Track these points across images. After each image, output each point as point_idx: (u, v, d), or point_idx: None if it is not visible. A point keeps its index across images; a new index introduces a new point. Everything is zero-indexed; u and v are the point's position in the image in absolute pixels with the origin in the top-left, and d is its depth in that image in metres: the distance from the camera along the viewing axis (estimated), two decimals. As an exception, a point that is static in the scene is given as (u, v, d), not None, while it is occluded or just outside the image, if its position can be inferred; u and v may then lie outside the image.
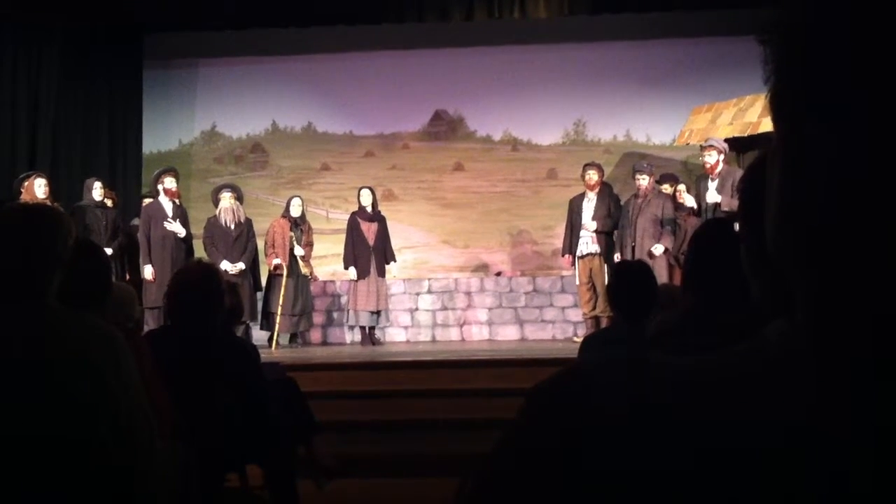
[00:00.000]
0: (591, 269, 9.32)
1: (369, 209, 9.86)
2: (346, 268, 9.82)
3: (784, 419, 0.45)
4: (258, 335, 9.42)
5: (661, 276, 8.64)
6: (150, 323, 8.37)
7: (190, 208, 10.28)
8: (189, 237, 9.31)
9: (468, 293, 10.92)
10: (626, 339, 3.47)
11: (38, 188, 8.48)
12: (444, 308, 10.99)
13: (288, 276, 9.51)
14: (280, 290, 9.50)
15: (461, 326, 10.65)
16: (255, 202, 11.25)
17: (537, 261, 11.36)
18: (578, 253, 9.38)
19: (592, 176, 9.45)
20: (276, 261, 9.52)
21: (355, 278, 9.68)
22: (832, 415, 0.45)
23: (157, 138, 11.85)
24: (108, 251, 7.87)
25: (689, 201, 8.98)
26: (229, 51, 11.59)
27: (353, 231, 9.81)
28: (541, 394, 0.53)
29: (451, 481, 0.59)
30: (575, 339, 9.62)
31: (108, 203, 9.51)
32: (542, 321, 10.74)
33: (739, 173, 8.11)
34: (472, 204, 11.54)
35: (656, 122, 11.32)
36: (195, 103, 12.10)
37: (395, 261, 9.92)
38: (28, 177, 8.66)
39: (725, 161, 8.52)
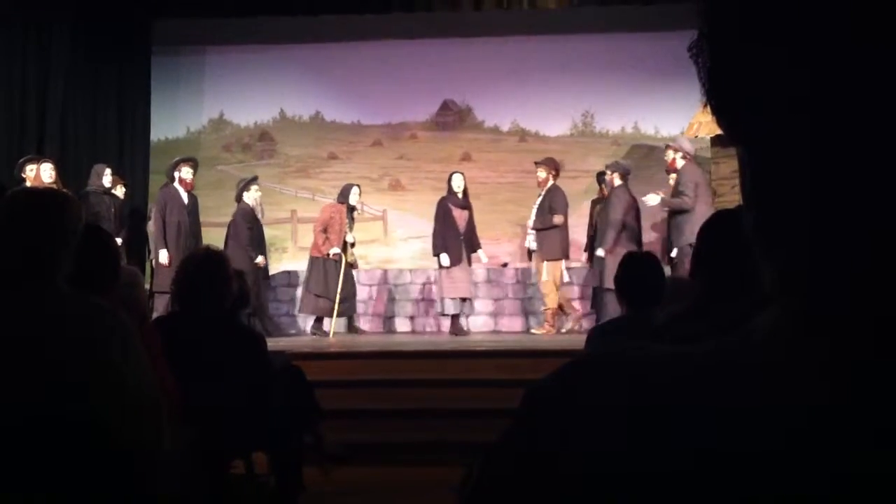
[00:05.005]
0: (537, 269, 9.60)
1: (460, 195, 9.62)
2: (437, 254, 9.50)
3: (783, 416, 0.45)
4: (289, 321, 9.46)
5: (604, 279, 8.89)
6: (159, 309, 8.40)
7: (197, 196, 10.30)
8: (198, 227, 9.40)
9: (474, 284, 10.91)
10: (631, 330, 3.47)
11: (45, 173, 8.48)
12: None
13: (331, 260, 9.62)
14: (339, 276, 9.60)
15: (467, 317, 10.65)
16: (262, 191, 11.23)
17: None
18: (528, 247, 9.73)
19: (539, 174, 9.64)
20: (336, 249, 9.59)
21: (448, 265, 9.40)
22: (832, 412, 0.44)
23: (165, 125, 11.85)
24: (118, 240, 7.90)
25: (652, 200, 9.02)
26: (238, 38, 11.57)
27: (444, 217, 9.51)
28: (539, 392, 0.53)
29: (455, 470, 0.59)
30: (563, 330, 9.70)
31: (119, 189, 9.54)
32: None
33: (693, 174, 8.54)
34: (480, 194, 11.51)
35: (665, 114, 11.28)
36: (203, 91, 12.09)
37: (480, 248, 9.71)
38: (30, 161, 8.65)
39: (687, 159, 8.66)
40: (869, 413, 0.44)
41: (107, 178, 9.20)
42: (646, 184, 10.61)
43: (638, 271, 3.79)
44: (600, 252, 9.06)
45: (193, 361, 3.55)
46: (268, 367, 4.07)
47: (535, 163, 9.96)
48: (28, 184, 8.31)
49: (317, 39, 11.60)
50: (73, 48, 10.34)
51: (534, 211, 9.65)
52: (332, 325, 9.70)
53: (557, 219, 9.46)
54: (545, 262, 9.48)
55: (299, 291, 10.47)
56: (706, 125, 9.67)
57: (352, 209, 9.76)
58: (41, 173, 8.47)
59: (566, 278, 9.71)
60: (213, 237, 9.31)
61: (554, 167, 9.74)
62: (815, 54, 0.45)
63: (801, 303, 0.48)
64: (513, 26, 11.30)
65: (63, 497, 2.18)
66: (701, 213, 8.42)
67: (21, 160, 8.71)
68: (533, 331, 9.99)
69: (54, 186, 7.99)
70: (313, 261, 9.72)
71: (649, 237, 10.33)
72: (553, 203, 9.48)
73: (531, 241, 9.67)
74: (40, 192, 2.78)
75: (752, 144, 0.50)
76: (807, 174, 0.46)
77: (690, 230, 8.34)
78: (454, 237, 9.43)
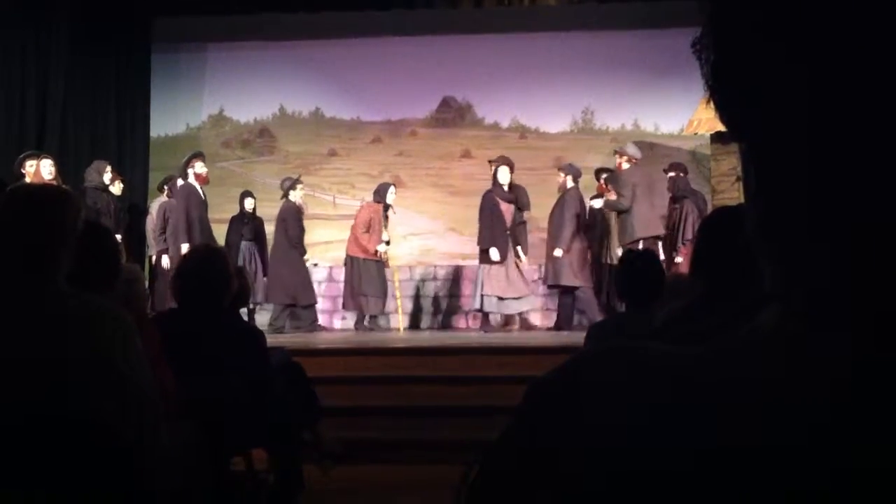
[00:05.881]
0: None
1: (506, 188, 9.44)
2: (486, 249, 9.25)
3: (785, 413, 0.45)
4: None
5: (561, 277, 9.22)
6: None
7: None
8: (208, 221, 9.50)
9: (474, 281, 10.90)
10: (631, 326, 3.47)
11: (45, 169, 8.47)
12: (450, 295, 10.98)
13: (374, 259, 9.75)
14: (386, 273, 9.79)
15: (467, 314, 10.65)
16: (262, 187, 11.25)
17: (544, 248, 11.33)
18: None
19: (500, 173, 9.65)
20: (382, 247, 9.75)
21: (498, 260, 9.19)
22: (833, 408, 0.44)
23: (165, 122, 11.85)
24: (117, 237, 7.93)
25: (596, 203, 9.45)
26: (238, 35, 11.56)
27: (491, 210, 9.29)
28: (540, 388, 0.52)
29: (455, 467, 0.59)
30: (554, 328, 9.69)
31: (117, 185, 9.54)
32: (548, 309, 10.72)
33: (631, 176, 8.99)
34: (480, 191, 11.43)
35: (665, 111, 11.29)
36: (203, 87, 12.09)
37: (521, 244, 9.50)
38: (29, 157, 8.65)
39: (633, 163, 9.10)
40: (870, 409, 0.44)
41: (107, 175, 9.21)
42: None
43: (638, 268, 3.79)
44: (558, 252, 9.22)
45: (193, 358, 3.55)
46: (267, 364, 4.07)
47: (489, 161, 9.92)
48: (28, 180, 8.31)
49: (317, 36, 11.59)
50: (73, 45, 10.33)
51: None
52: (401, 319, 9.96)
53: (525, 215, 9.57)
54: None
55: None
56: (706, 122, 9.68)
57: (388, 208, 9.88)
58: (41, 169, 8.46)
59: None
60: (215, 234, 9.33)
61: (511, 165, 9.76)
62: (812, 50, 0.46)
63: (802, 300, 0.48)
64: (513, 23, 11.29)
65: (64, 494, 2.18)
66: (639, 212, 8.96)
67: (21, 156, 8.70)
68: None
69: (54, 183, 7.98)
70: (353, 260, 9.84)
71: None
72: (519, 200, 9.52)
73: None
74: (40, 190, 2.78)
75: (752, 140, 0.50)
76: (805, 170, 0.47)
77: (632, 229, 8.95)
78: (502, 232, 9.25)
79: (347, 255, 9.93)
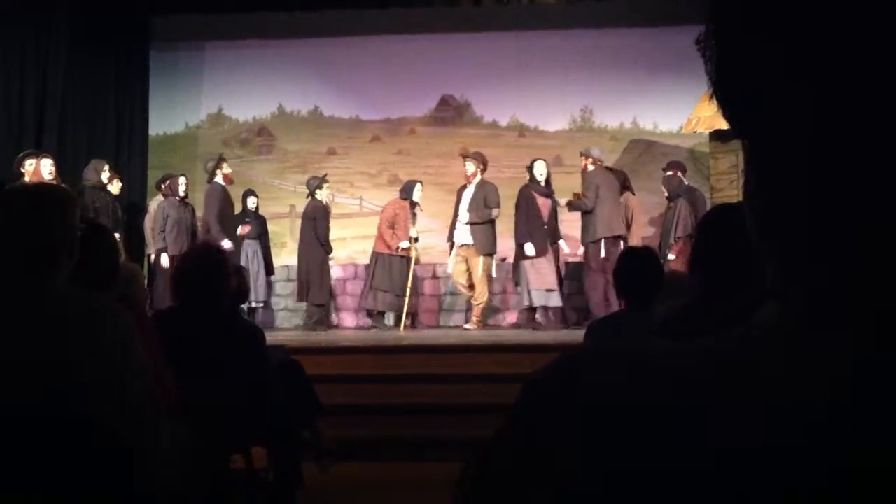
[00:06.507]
0: (466, 260, 9.60)
1: (543, 183, 9.45)
2: (522, 244, 9.28)
3: (785, 412, 0.45)
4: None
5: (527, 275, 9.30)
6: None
7: (195, 191, 10.30)
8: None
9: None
10: (630, 324, 3.47)
11: (45, 169, 8.47)
12: (448, 293, 10.98)
13: (398, 256, 9.83)
14: (409, 271, 9.84)
15: (466, 312, 10.64)
16: (261, 186, 11.24)
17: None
18: (456, 242, 9.65)
19: (468, 167, 9.69)
20: (405, 244, 9.82)
21: (534, 255, 9.19)
22: (833, 408, 0.44)
23: (164, 120, 11.83)
24: (116, 235, 7.95)
25: (561, 202, 9.59)
26: (236, 33, 11.55)
27: (528, 205, 9.31)
28: (537, 386, 0.52)
29: (453, 465, 0.58)
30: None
31: (115, 184, 9.54)
32: (546, 307, 10.72)
33: (595, 178, 9.26)
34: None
35: (663, 110, 11.28)
36: (202, 86, 12.07)
37: (561, 238, 9.61)
38: (28, 156, 8.64)
39: (597, 165, 9.46)
40: (870, 409, 0.44)
41: (104, 174, 9.21)
42: (646, 179, 10.62)
43: (637, 266, 3.79)
44: (529, 249, 9.28)
45: (192, 356, 3.55)
46: (266, 362, 4.07)
47: (463, 156, 9.99)
48: (27, 179, 8.31)
49: (315, 35, 11.58)
50: (71, 44, 10.32)
51: (466, 204, 9.62)
52: (404, 320, 9.90)
53: (496, 212, 9.57)
54: (480, 257, 9.53)
55: (297, 286, 10.51)
56: (705, 120, 9.68)
57: (414, 205, 9.95)
58: (41, 168, 8.46)
59: (494, 273, 9.83)
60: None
61: (483, 161, 9.80)
62: (812, 51, 0.46)
63: (803, 298, 0.48)
64: (512, 21, 11.28)
65: (63, 495, 2.18)
66: (603, 213, 9.17)
67: (20, 155, 8.70)
68: (467, 326, 9.98)
69: (54, 182, 7.98)
70: (378, 256, 9.92)
71: (647, 231, 10.35)
72: (488, 197, 9.54)
73: (464, 235, 9.61)
74: (39, 190, 2.77)
75: (754, 138, 0.50)
76: (807, 169, 0.47)
77: (594, 229, 9.17)
78: (539, 226, 9.28)
79: (373, 251, 10.05)
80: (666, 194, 9.57)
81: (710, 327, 0.53)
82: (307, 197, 10.11)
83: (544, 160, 9.67)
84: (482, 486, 0.52)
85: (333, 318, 10.89)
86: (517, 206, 9.44)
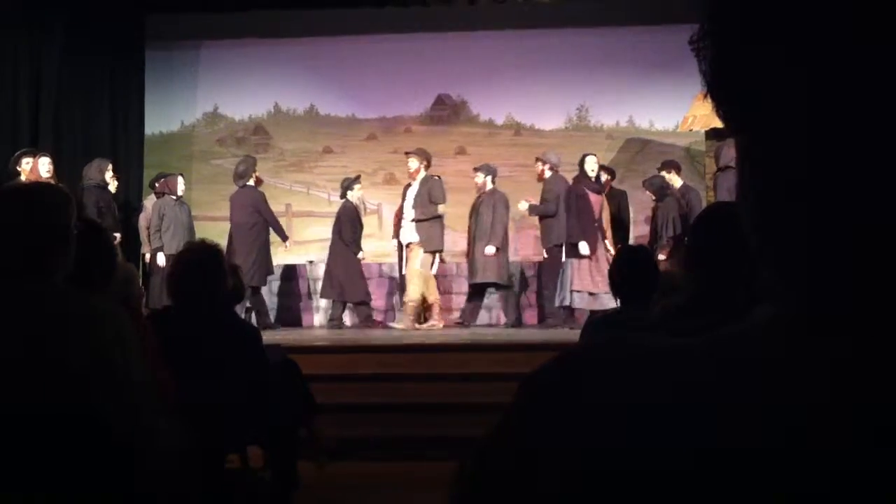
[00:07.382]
0: (408, 258, 9.64)
1: (594, 179, 9.16)
2: (575, 242, 8.90)
3: (783, 414, 0.45)
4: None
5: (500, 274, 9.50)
6: None
7: (191, 190, 10.29)
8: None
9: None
10: (626, 322, 3.47)
11: (43, 167, 8.46)
12: (444, 292, 10.97)
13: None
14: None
15: (463, 311, 10.63)
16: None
17: (539, 246, 11.33)
18: (403, 241, 9.71)
19: (411, 164, 9.71)
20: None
21: (588, 254, 8.82)
22: (832, 410, 0.44)
23: (159, 119, 11.82)
24: (117, 235, 7.96)
25: (522, 206, 9.77)
26: (232, 32, 11.53)
27: (577, 202, 8.93)
28: (534, 385, 0.52)
29: (450, 464, 0.58)
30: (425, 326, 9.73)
31: (113, 184, 9.53)
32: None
33: (556, 184, 9.38)
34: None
35: (659, 108, 11.29)
36: (197, 84, 12.05)
37: (608, 238, 9.14)
38: (25, 154, 8.62)
39: (554, 171, 9.61)
40: (869, 411, 0.44)
41: (108, 174, 9.22)
42: (642, 177, 10.61)
43: (632, 264, 3.80)
44: (490, 249, 9.38)
45: (188, 356, 3.54)
46: (263, 361, 4.07)
47: (406, 153, 10.00)
48: (23, 177, 8.29)
49: (311, 33, 11.57)
50: (67, 43, 10.29)
51: (410, 201, 9.60)
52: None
53: (441, 208, 9.56)
54: (422, 253, 9.48)
55: (295, 285, 10.51)
56: (701, 119, 9.70)
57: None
58: (39, 167, 8.44)
59: (434, 270, 9.80)
60: (209, 233, 9.29)
61: (426, 157, 9.77)
62: (811, 53, 0.46)
63: (802, 299, 0.48)
64: (508, 20, 11.28)
65: (63, 494, 2.18)
66: (562, 218, 9.23)
67: (17, 153, 8.68)
68: (393, 325, 9.97)
69: (51, 181, 7.97)
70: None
71: (641, 230, 10.33)
72: (432, 192, 9.51)
73: (410, 233, 9.61)
74: (38, 188, 2.77)
75: (750, 138, 0.50)
76: (804, 169, 0.47)
77: (557, 234, 9.27)
78: (591, 224, 8.88)
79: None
80: (652, 196, 9.51)
81: (708, 327, 0.53)
82: (340, 197, 10.18)
83: (594, 155, 9.40)
84: (479, 487, 0.51)
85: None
86: (566, 204, 9.15)
